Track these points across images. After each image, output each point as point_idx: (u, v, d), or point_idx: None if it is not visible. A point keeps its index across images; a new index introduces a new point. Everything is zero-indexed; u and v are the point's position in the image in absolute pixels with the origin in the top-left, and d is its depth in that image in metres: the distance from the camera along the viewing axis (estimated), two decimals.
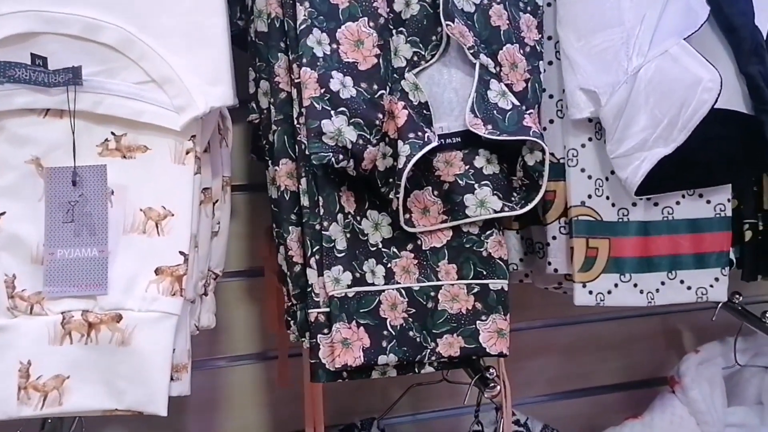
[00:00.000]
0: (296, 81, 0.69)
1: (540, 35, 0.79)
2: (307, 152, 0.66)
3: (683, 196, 0.84)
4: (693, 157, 0.80)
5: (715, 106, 0.82)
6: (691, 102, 0.76)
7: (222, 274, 0.77)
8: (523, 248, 0.88)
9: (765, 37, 0.82)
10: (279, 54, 0.70)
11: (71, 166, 0.61)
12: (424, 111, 0.72)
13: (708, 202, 0.85)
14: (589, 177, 0.81)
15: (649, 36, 0.80)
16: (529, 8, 0.78)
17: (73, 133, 0.61)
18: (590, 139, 0.82)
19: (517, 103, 0.74)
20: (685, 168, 0.80)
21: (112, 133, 0.63)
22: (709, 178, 0.83)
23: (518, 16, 0.77)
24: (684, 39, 0.78)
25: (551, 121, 0.83)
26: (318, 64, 0.66)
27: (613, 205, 0.82)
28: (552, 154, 0.82)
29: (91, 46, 0.62)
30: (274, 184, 0.73)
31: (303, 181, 0.69)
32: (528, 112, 0.75)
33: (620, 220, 0.82)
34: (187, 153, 0.64)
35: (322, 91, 0.66)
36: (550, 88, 0.82)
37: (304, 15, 0.66)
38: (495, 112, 0.73)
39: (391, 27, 0.72)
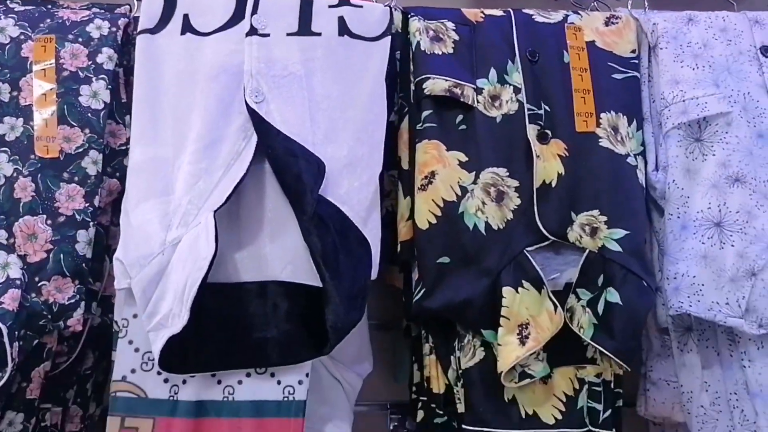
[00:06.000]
0: None
1: (87, 203, 0.79)
2: None
3: (248, 375, 0.77)
4: (225, 335, 0.75)
5: (283, 279, 0.77)
6: (196, 279, 0.71)
7: None
8: None
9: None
10: None
11: None
12: None
13: (279, 382, 0.77)
14: (137, 350, 0.77)
15: (199, 205, 0.77)
16: (76, 178, 0.79)
17: None
18: None
19: (15, 276, 0.73)
20: (209, 347, 0.74)
21: None
22: (254, 359, 0.75)
23: (56, 187, 0.78)
24: (215, 211, 0.75)
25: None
26: None
27: (166, 381, 0.76)
28: (116, 322, 0.80)
29: None
30: None
31: None
32: (40, 283, 0.74)
33: (170, 397, 0.76)
34: None
35: None
36: None
37: None
38: None
39: None
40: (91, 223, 0.78)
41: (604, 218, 0.81)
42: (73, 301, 0.76)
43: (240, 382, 0.77)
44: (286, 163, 0.77)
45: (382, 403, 1.07)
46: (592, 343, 0.79)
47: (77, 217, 0.78)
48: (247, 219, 0.79)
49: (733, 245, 0.81)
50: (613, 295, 0.78)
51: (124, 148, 0.84)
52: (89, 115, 0.80)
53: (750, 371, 0.82)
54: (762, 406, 0.81)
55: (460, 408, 0.80)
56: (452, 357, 0.82)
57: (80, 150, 0.79)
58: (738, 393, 0.83)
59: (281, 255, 0.77)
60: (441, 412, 0.83)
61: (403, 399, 0.98)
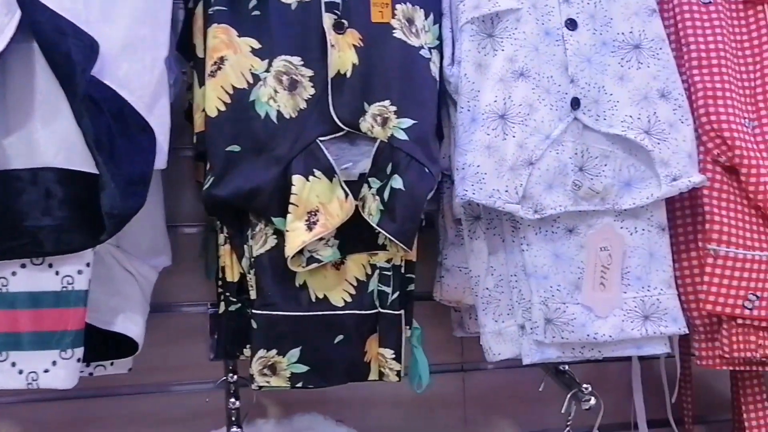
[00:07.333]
0: None
1: None
2: None
3: (23, 266, 0.74)
4: None
5: (56, 166, 0.73)
6: None
7: None
8: None
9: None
10: None
11: None
12: None
13: (57, 273, 0.75)
14: None
15: None
16: None
17: None
18: None
19: None
20: None
21: None
22: (27, 247, 0.72)
23: None
24: None
25: None
26: None
27: None
28: None
29: None
30: None
31: None
32: None
33: None
34: None
35: None
36: None
37: None
38: None
39: None
40: None
41: (394, 108, 0.83)
42: None
43: (14, 274, 0.73)
44: (54, 41, 0.72)
45: (203, 303, 1.08)
46: (378, 228, 0.81)
47: None
48: (16, 103, 0.73)
49: (514, 136, 0.85)
50: (397, 182, 0.81)
51: None
52: None
53: (527, 254, 0.89)
54: (535, 285, 0.88)
55: (253, 295, 0.82)
56: (246, 246, 0.83)
57: None
58: (517, 275, 0.90)
59: (54, 140, 0.73)
60: (235, 300, 0.85)
61: None
